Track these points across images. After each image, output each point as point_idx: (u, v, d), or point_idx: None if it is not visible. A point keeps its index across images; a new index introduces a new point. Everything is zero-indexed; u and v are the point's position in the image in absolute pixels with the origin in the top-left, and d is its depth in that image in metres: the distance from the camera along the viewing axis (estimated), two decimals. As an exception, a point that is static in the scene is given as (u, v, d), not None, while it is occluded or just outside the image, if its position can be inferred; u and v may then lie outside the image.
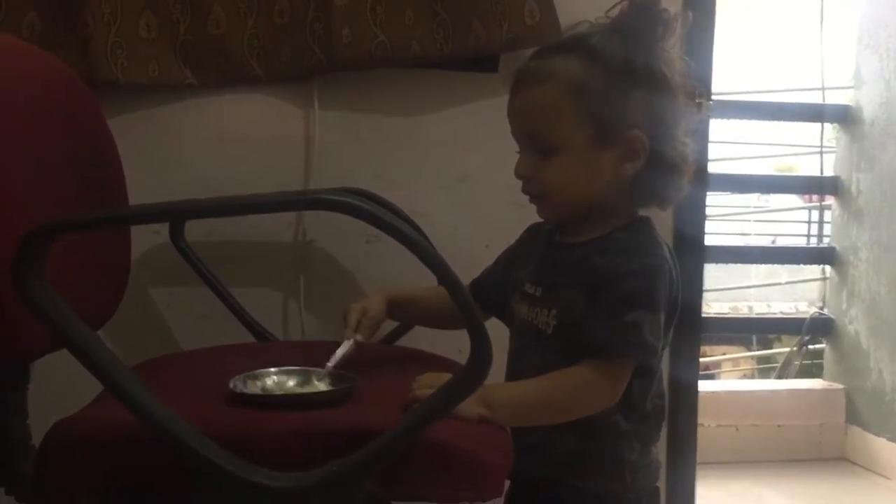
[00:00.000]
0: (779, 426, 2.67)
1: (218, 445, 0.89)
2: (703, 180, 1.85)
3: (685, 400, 1.90)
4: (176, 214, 1.27)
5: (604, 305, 1.07)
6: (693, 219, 1.85)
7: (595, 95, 1.09)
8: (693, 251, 1.85)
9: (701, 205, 1.87)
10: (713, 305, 4.90)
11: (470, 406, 0.97)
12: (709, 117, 1.80)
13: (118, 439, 0.96)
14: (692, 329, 1.88)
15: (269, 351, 1.48)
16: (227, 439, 0.92)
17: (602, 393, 1.06)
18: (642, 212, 1.18)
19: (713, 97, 1.81)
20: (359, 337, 1.22)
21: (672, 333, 1.16)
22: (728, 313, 4.65)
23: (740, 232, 5.16)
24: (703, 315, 1.95)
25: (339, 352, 1.18)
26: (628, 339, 1.04)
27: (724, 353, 5.03)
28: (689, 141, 1.13)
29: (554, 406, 1.06)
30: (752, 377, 4.82)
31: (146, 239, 1.65)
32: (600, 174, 1.11)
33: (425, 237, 1.53)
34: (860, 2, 2.66)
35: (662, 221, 1.80)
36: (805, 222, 4.74)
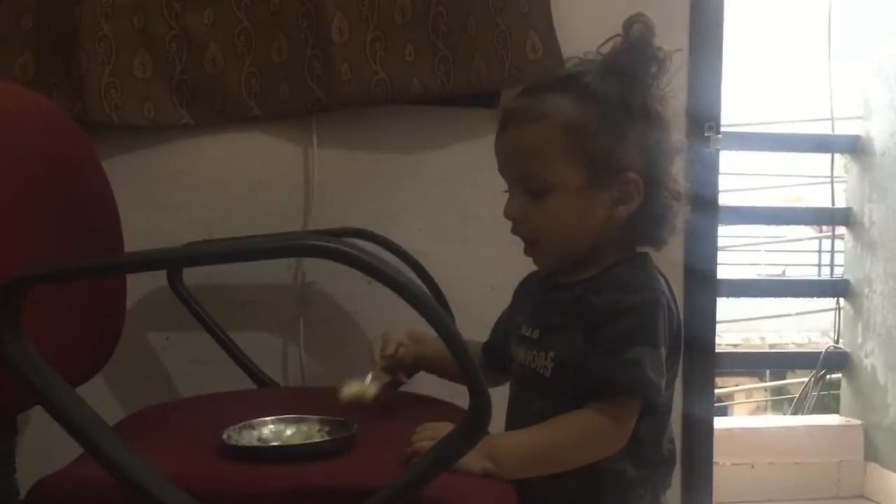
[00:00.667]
0: (796, 464, 2.61)
1: None
2: (715, 213, 1.81)
3: (700, 437, 1.85)
4: (153, 264, 1.18)
5: (602, 344, 1.03)
6: (704, 251, 1.81)
7: (590, 136, 1.06)
8: (705, 285, 1.81)
9: (712, 237, 1.83)
10: (724, 336, 4.86)
11: (474, 460, 0.93)
12: (718, 150, 1.77)
13: (102, 500, 0.92)
14: (705, 364, 1.84)
15: (269, 398, 1.45)
16: (215, 498, 0.89)
17: (609, 435, 1.02)
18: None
19: (722, 129, 1.77)
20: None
21: (678, 369, 1.13)
22: (739, 344, 4.60)
23: (751, 262, 5.13)
24: (717, 350, 1.90)
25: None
26: (630, 377, 1.01)
27: (736, 385, 4.97)
28: (682, 179, 1.11)
29: (560, 455, 1.02)
30: (766, 409, 4.76)
31: (143, 283, 1.62)
32: (594, 216, 1.08)
33: (431, 280, 1.51)
34: (868, 32, 2.64)
35: (673, 255, 1.77)
36: (816, 252, 4.70)
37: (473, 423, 0.80)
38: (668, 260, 1.76)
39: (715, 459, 1.92)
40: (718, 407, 4.89)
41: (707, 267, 1.82)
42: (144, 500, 0.83)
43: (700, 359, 1.83)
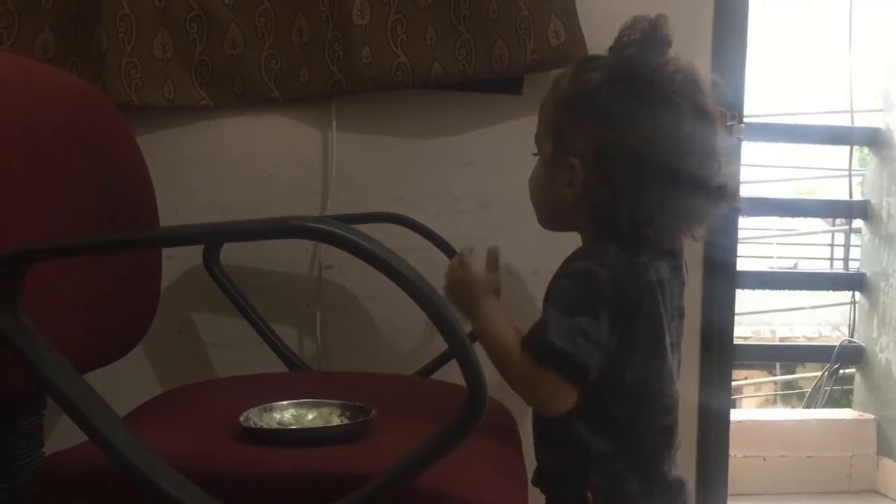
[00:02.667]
0: (808, 457, 2.60)
1: (204, 491, 0.84)
2: (737, 205, 1.79)
3: (716, 429, 1.85)
4: (140, 244, 1.14)
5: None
6: (724, 243, 1.80)
7: (561, 114, 1.10)
8: (724, 277, 1.80)
9: (733, 229, 1.82)
10: (735, 329, 4.82)
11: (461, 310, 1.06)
12: (741, 140, 1.75)
13: (107, 479, 0.91)
14: (723, 356, 1.83)
15: (296, 381, 1.45)
16: (226, 480, 0.89)
17: (515, 379, 1.04)
18: None
19: (746, 119, 1.75)
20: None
21: (660, 352, 1.08)
22: (750, 337, 4.58)
23: (763, 255, 5.10)
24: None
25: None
26: (537, 339, 1.01)
27: (745, 378, 4.96)
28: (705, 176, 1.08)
29: (495, 357, 1.06)
30: (775, 402, 4.75)
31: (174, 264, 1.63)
32: (554, 189, 1.11)
33: None
34: (889, 24, 2.61)
35: (692, 245, 1.75)
36: (828, 245, 4.68)
37: (470, 411, 0.78)
38: (688, 250, 1.76)
39: (727, 452, 1.90)
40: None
41: (727, 258, 1.80)
42: (143, 484, 0.82)
43: (717, 350, 1.82)
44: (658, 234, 1.09)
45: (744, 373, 5.02)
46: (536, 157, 1.15)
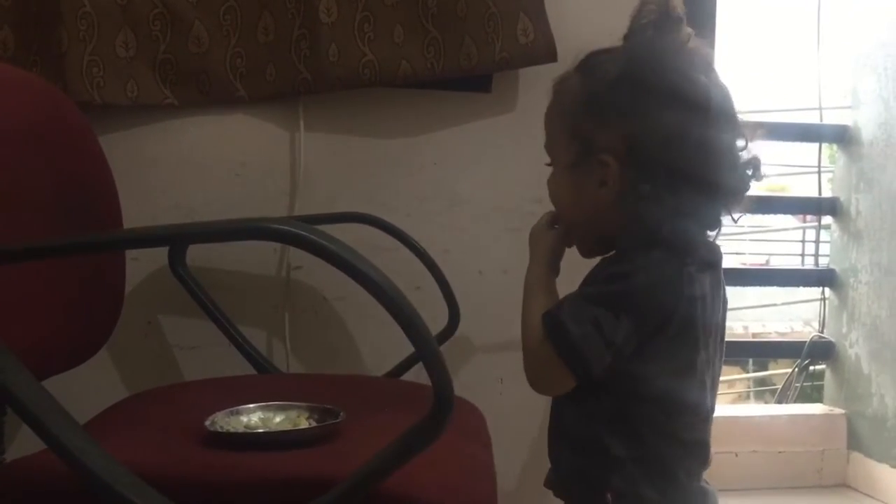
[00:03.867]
0: (780, 452, 2.61)
1: (167, 499, 0.82)
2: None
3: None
4: (95, 247, 1.11)
5: None
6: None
7: (577, 115, 1.05)
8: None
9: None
10: None
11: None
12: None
13: (67, 488, 0.89)
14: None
15: (264, 383, 1.44)
16: (181, 486, 0.89)
17: (527, 351, 1.05)
18: None
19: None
20: None
21: (677, 359, 1.05)
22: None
23: (735, 252, 5.14)
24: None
25: None
26: (551, 311, 1.02)
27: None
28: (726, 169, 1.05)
29: (522, 320, 1.08)
30: (748, 398, 4.79)
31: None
32: (585, 195, 1.06)
33: (434, 264, 1.53)
34: (858, 22, 2.63)
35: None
36: (799, 241, 4.72)
37: (435, 417, 0.77)
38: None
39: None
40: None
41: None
42: (104, 493, 0.80)
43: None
44: (695, 231, 1.06)
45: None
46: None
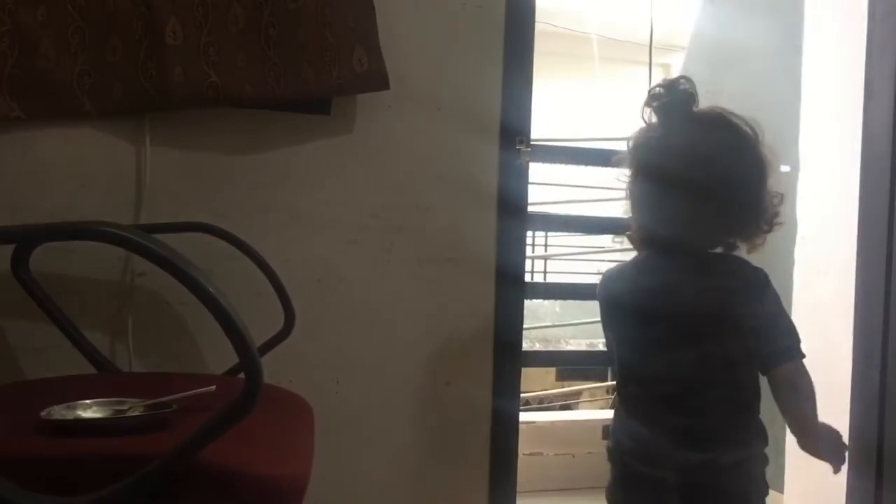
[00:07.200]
0: (589, 453, 2.84)
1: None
2: (523, 219, 1.97)
3: (508, 429, 2.00)
4: None
5: None
6: (513, 255, 1.98)
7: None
8: (513, 287, 1.97)
9: (521, 242, 1.99)
10: (571, 342, 5.28)
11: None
12: (528, 161, 1.95)
13: None
14: (513, 360, 1.99)
15: (104, 382, 1.47)
16: (12, 465, 0.93)
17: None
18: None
19: (532, 143, 1.95)
20: None
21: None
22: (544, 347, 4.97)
23: (569, 271, 5.46)
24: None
25: None
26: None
27: (581, 385, 5.41)
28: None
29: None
30: (610, 406, 5.15)
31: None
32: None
33: (272, 272, 1.61)
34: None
35: (486, 259, 1.93)
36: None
37: (245, 394, 0.87)
38: (482, 263, 1.93)
39: (538, 450, 2.05)
40: (564, 406, 5.32)
41: (516, 270, 1.98)
42: None
43: (508, 355, 1.98)
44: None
45: (580, 382, 5.48)
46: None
